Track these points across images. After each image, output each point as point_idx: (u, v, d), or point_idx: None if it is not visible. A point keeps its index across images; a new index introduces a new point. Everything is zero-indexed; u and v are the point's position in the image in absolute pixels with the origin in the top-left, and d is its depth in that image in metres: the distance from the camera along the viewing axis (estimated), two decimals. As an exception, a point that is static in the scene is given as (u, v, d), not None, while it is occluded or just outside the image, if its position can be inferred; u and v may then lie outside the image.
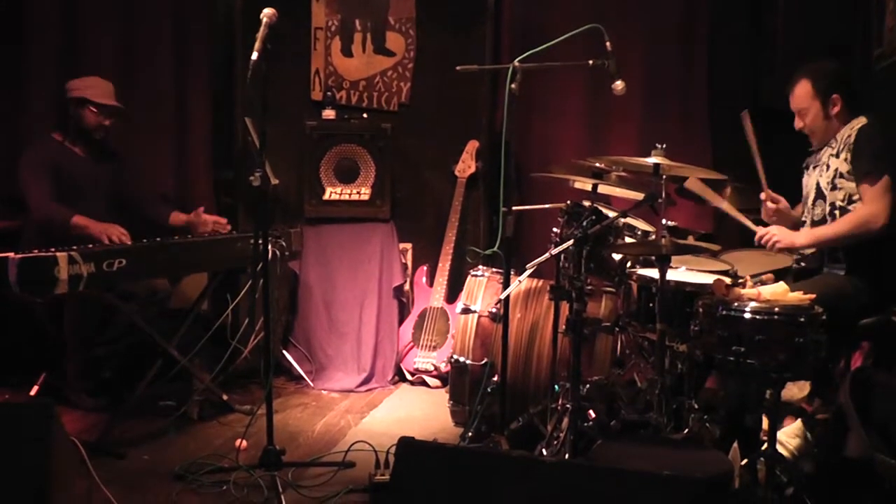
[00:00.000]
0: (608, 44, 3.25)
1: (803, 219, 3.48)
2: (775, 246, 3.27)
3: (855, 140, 3.24)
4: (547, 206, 3.98)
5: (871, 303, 3.19)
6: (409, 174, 5.05)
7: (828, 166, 3.35)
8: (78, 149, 4.17)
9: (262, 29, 3.09)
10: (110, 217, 4.05)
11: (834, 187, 3.31)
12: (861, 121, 3.29)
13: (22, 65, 4.60)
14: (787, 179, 3.68)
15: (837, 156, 3.30)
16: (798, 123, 3.42)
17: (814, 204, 3.40)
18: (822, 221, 3.35)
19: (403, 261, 5.00)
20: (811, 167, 3.48)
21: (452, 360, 3.87)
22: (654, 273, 3.06)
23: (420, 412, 4.27)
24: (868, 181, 3.17)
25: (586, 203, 3.48)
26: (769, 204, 3.53)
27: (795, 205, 3.59)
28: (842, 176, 3.28)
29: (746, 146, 3.48)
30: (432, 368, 4.71)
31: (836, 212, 3.30)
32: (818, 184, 3.38)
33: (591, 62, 3.32)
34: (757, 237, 3.35)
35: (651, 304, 3.10)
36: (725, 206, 3.53)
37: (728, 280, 2.84)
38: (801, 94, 3.37)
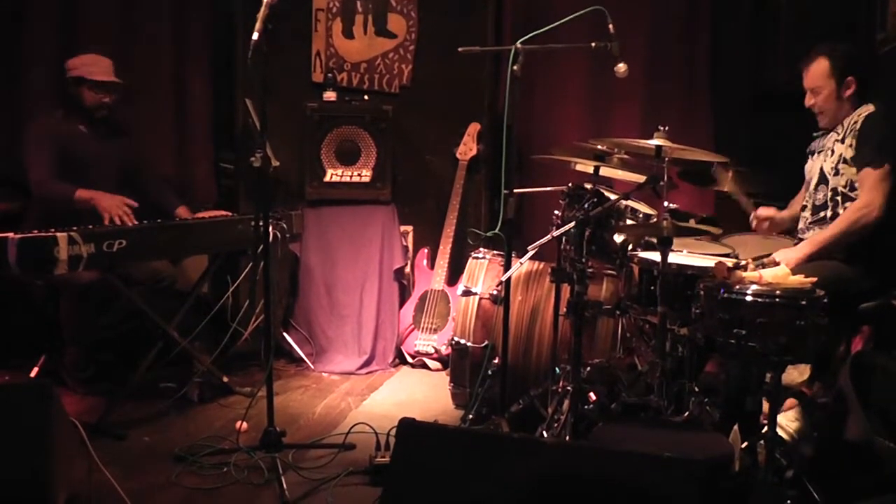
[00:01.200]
0: (611, 26, 3.22)
1: (804, 203, 3.48)
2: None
3: (861, 127, 3.23)
4: (548, 188, 3.97)
5: (871, 287, 3.19)
6: (410, 156, 5.03)
7: (832, 151, 3.34)
8: (82, 126, 4.10)
9: (262, 9, 3.06)
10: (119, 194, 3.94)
11: (837, 172, 3.30)
12: (868, 108, 3.28)
13: (22, 44, 4.56)
14: (788, 164, 3.67)
15: (842, 141, 3.30)
16: (809, 100, 3.41)
17: (816, 189, 3.41)
18: (824, 206, 3.35)
19: (404, 243, 4.99)
20: (816, 152, 3.48)
21: (453, 342, 3.88)
22: (655, 256, 3.05)
23: (421, 395, 4.28)
24: (869, 169, 3.17)
25: (588, 185, 3.47)
26: (760, 221, 3.55)
27: (791, 198, 3.58)
28: (845, 161, 3.27)
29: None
30: (433, 351, 4.71)
31: (838, 197, 3.30)
32: (822, 169, 3.38)
33: (593, 44, 3.29)
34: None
35: (652, 287, 3.09)
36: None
37: (729, 263, 2.83)
38: (818, 72, 3.35)
